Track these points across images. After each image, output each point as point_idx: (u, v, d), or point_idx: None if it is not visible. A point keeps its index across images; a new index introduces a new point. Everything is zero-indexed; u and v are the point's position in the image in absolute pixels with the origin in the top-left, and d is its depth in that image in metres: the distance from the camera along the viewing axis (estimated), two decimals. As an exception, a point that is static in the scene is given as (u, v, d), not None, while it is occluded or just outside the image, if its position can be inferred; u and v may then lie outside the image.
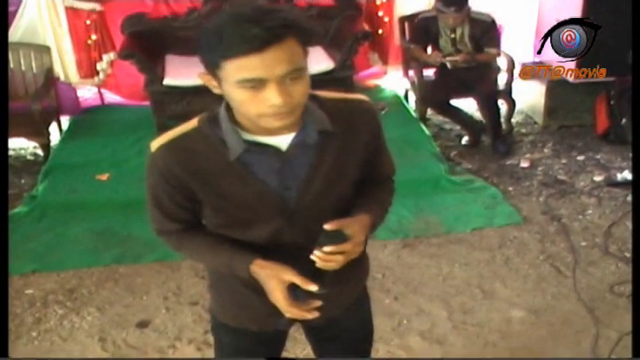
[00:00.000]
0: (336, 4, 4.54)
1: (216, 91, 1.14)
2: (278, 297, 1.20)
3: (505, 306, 2.64)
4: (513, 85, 4.27)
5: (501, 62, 4.27)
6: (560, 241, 3.08)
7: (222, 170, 1.19)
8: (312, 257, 1.17)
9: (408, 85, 4.65)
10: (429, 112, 4.45)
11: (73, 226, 3.32)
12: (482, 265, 2.92)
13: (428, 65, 4.27)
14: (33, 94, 4.12)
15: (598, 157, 3.98)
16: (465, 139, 4.24)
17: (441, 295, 2.72)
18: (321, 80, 3.26)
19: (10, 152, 4.22)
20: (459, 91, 4.19)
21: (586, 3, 3.74)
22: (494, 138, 4.11)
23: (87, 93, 4.94)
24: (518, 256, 2.97)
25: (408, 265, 2.94)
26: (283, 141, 1.18)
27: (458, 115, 4.27)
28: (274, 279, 1.20)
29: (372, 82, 5.04)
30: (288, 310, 1.21)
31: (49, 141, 4.10)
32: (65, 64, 4.55)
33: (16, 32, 4.31)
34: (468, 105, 4.41)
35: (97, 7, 4.49)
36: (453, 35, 4.07)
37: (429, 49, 4.27)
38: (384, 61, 4.93)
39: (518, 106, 4.42)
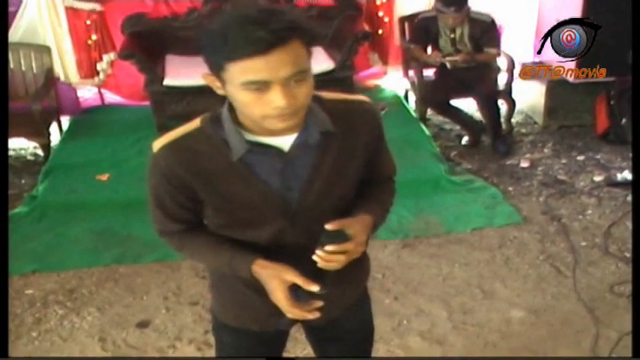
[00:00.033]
0: (336, 4, 4.54)
1: (220, 92, 1.13)
2: (279, 297, 1.20)
3: (505, 306, 2.64)
4: (513, 85, 4.27)
5: (501, 62, 4.27)
6: (560, 241, 3.09)
7: (225, 171, 1.18)
8: (314, 257, 1.17)
9: (408, 85, 4.65)
10: (429, 112, 4.45)
11: (73, 226, 3.32)
12: (482, 265, 2.92)
13: (428, 65, 4.27)
14: (33, 94, 4.12)
15: (598, 157, 3.98)
16: (465, 139, 4.24)
17: (441, 295, 2.72)
18: (321, 80, 3.21)
19: (11, 152, 4.22)
20: (458, 91, 4.19)
21: (586, 3, 3.74)
22: (494, 138, 4.11)
23: (87, 93, 4.93)
24: (518, 256, 2.98)
25: (408, 265, 2.94)
26: (285, 142, 1.18)
27: (458, 115, 4.27)
28: (276, 279, 1.20)
29: (372, 83, 5.04)
30: (290, 310, 1.21)
31: (49, 141, 4.10)
32: (65, 64, 4.55)
33: (16, 32, 4.31)
34: (468, 105, 4.41)
35: (97, 7, 4.49)
36: (452, 35, 4.07)
37: (429, 49, 4.27)
38: (384, 61, 4.93)
39: (518, 106, 4.42)
